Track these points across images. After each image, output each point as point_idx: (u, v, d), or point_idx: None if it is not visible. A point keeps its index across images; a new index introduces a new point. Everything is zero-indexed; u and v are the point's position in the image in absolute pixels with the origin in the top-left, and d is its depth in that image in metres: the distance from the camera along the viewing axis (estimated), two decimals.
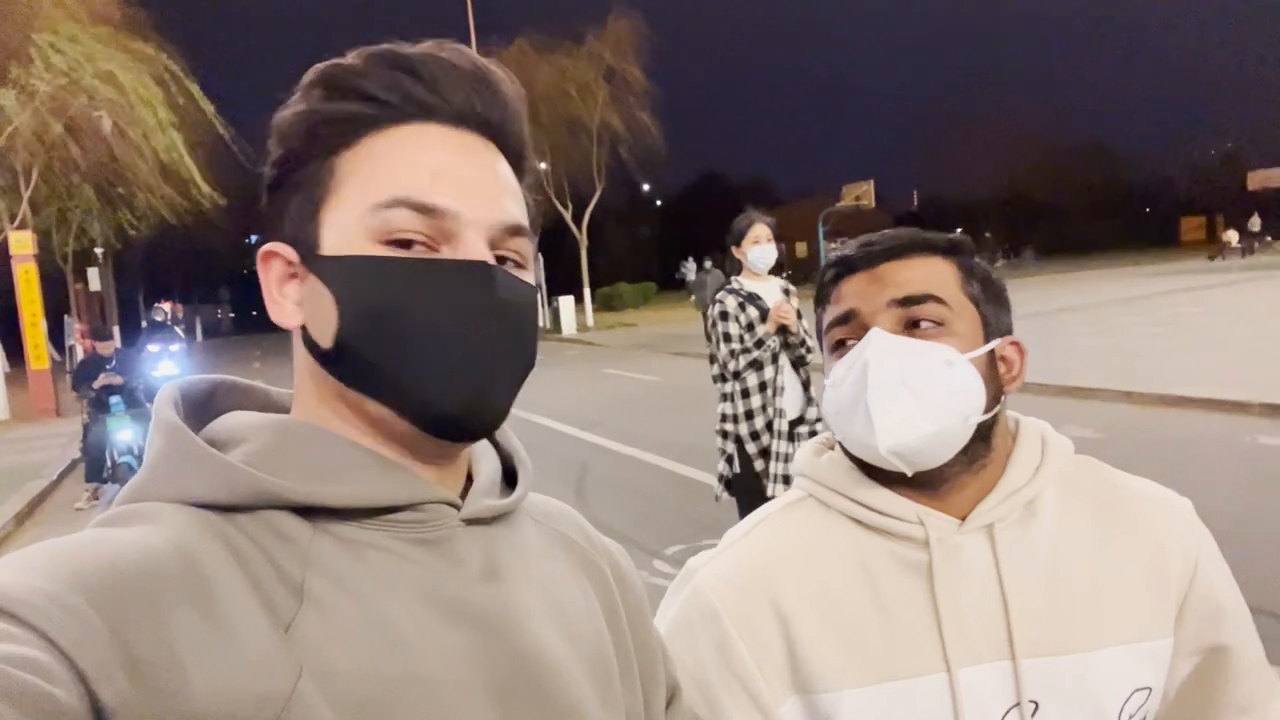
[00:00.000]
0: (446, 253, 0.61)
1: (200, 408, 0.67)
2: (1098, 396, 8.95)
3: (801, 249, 55.75)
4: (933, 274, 0.93)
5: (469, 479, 0.71)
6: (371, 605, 0.57)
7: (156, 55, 17.99)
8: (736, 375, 4.04)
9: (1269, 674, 0.99)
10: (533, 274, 0.68)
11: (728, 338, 4.04)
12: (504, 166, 0.66)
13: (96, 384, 8.32)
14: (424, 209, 0.60)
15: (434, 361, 0.60)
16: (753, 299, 4.04)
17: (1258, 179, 40.17)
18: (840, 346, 0.96)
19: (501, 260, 0.64)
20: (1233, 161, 58.03)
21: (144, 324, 14.73)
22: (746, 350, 3.99)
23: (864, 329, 0.93)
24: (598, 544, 0.81)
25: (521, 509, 0.74)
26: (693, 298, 20.48)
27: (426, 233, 0.61)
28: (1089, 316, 15.98)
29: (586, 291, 31.71)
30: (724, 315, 4.06)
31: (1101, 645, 0.91)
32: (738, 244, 4.15)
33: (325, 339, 0.62)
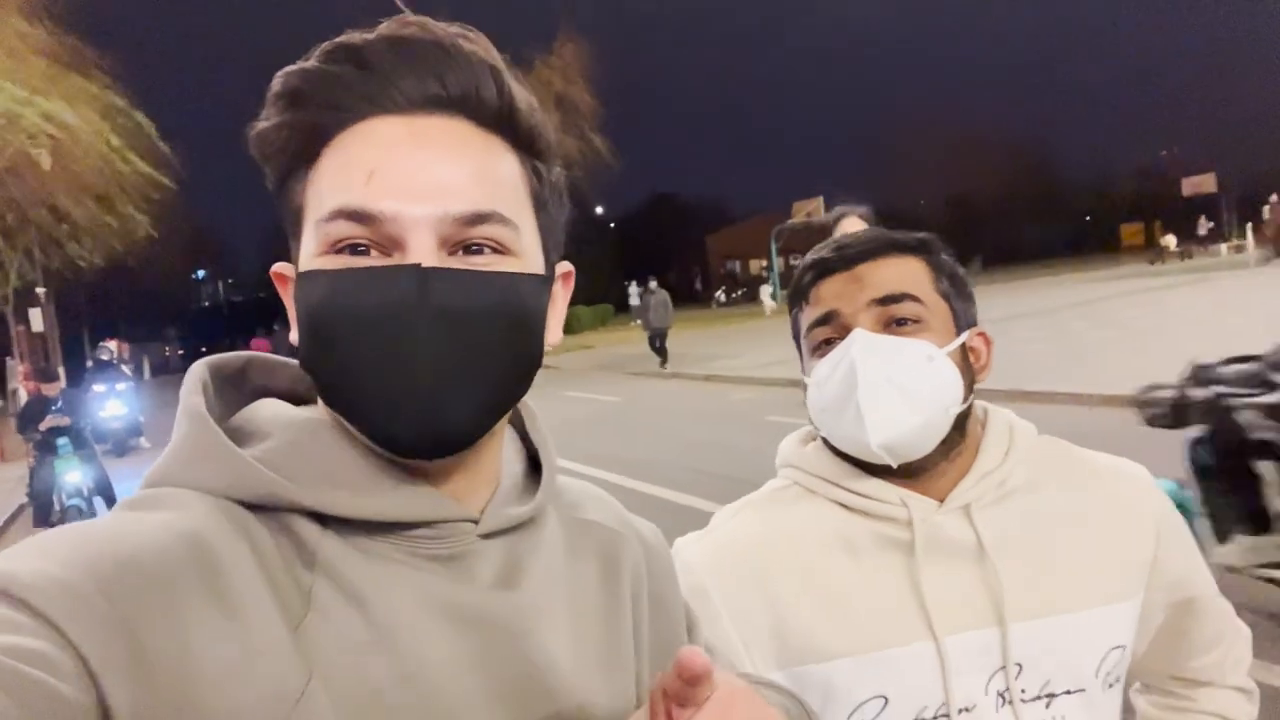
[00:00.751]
0: (396, 258, 0.57)
1: (233, 386, 0.67)
2: (1049, 400, 9.16)
3: (754, 266, 56.30)
4: (907, 273, 0.98)
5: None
6: (376, 614, 0.56)
7: (101, 92, 17.68)
8: None
9: (1227, 609, 1.09)
10: (524, 257, 0.62)
11: None
12: (476, 142, 0.61)
13: (43, 425, 8.10)
14: (359, 216, 0.57)
15: (367, 379, 0.56)
16: None
17: (1191, 185, 41.52)
18: (824, 346, 0.99)
19: (473, 248, 0.59)
20: (1168, 168, 59.98)
21: (89, 363, 14.34)
22: None
23: (846, 329, 0.96)
24: (628, 525, 0.79)
25: (550, 503, 0.72)
26: (637, 320, 20.48)
27: (372, 239, 0.57)
28: (1038, 322, 16.34)
29: None
30: None
31: (1079, 608, 0.96)
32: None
33: None
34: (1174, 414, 3.62)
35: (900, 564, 0.96)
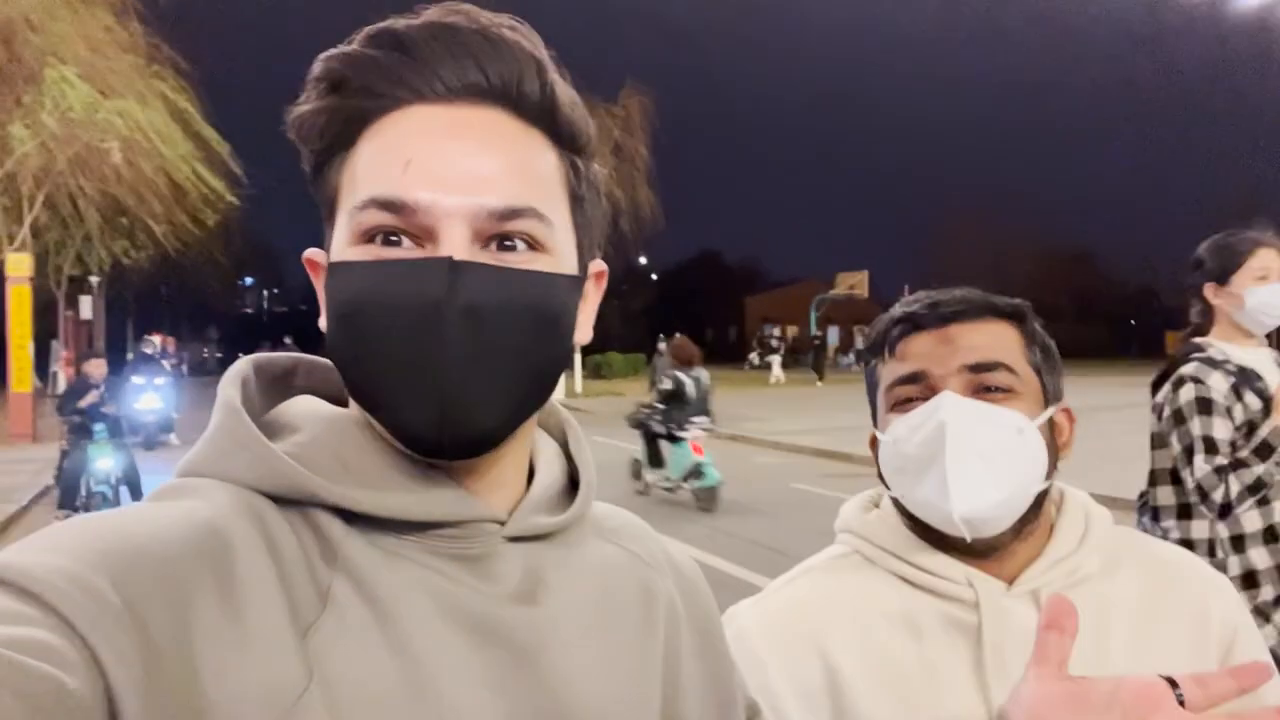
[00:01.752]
0: (428, 249, 0.57)
1: (278, 385, 0.67)
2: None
3: (791, 330, 56.25)
4: (1001, 340, 0.94)
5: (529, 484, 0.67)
6: (392, 617, 0.55)
7: (175, 96, 18.26)
8: (1225, 510, 2.22)
9: None
10: (558, 254, 0.61)
11: (1210, 445, 2.25)
12: (515, 135, 0.60)
13: (84, 402, 8.24)
14: (393, 205, 0.56)
15: (392, 373, 0.56)
16: (1247, 378, 2.31)
17: None
18: (905, 404, 0.95)
19: (507, 246, 0.58)
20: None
21: (130, 355, 14.61)
22: (1243, 465, 2.21)
23: (933, 390, 0.92)
24: (667, 560, 0.77)
25: (585, 522, 0.70)
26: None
27: (405, 229, 0.57)
28: (1080, 422, 16.07)
29: (577, 358, 31.75)
30: (1206, 405, 2.28)
31: None
32: (1222, 278, 2.38)
33: None
34: (634, 422, 9.91)
35: (964, 648, 0.91)
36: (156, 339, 17.06)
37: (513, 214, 0.58)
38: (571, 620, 0.63)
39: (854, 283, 35.35)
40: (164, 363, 15.01)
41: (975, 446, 0.88)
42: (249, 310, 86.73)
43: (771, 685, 0.92)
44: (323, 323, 0.61)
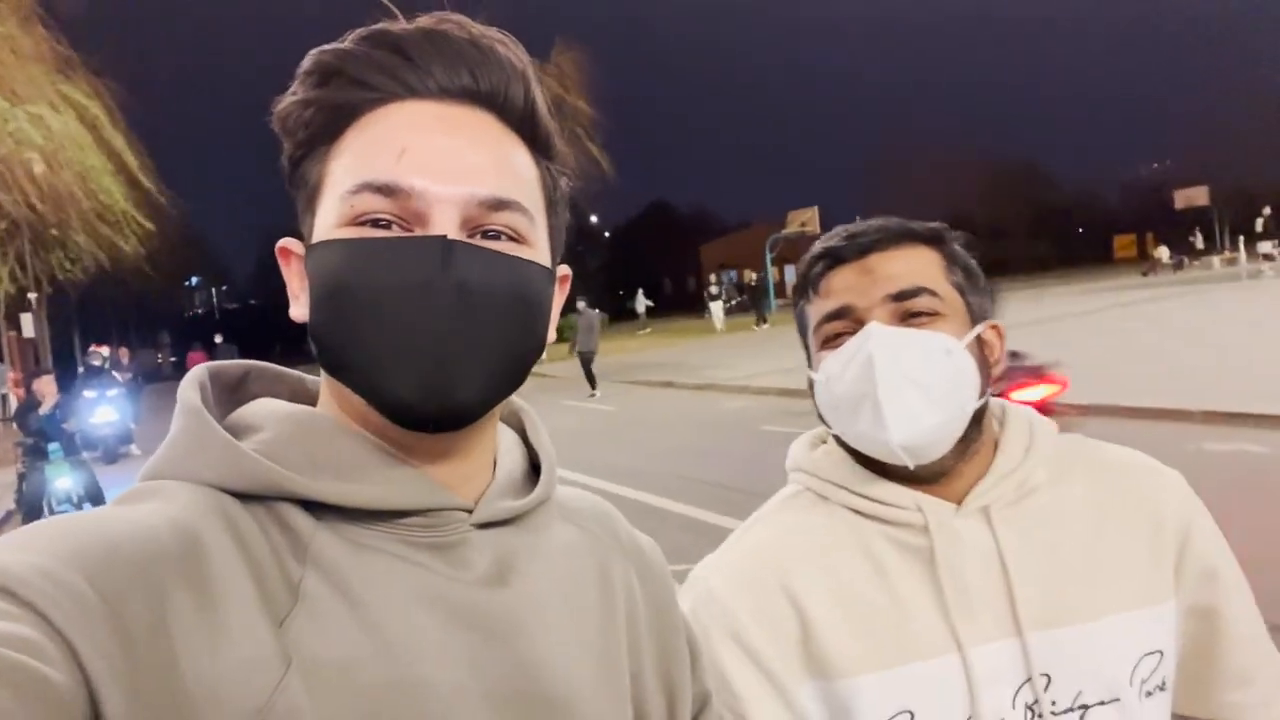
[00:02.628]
0: (418, 233, 0.59)
1: (232, 392, 0.68)
2: (1054, 411, 9.21)
3: (749, 275, 56.42)
4: (921, 265, 0.94)
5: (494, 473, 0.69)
6: (367, 609, 0.56)
7: (89, 100, 17.65)
8: None
9: (1274, 651, 0.98)
10: (537, 249, 0.64)
11: None
12: (500, 136, 0.63)
13: (42, 409, 8.09)
14: (387, 189, 0.58)
15: (382, 345, 0.57)
16: None
17: (1184, 198, 41.78)
18: (834, 340, 0.95)
19: (490, 234, 0.61)
20: (1160, 181, 60.38)
21: (80, 369, 14.25)
22: None
23: (859, 323, 0.92)
24: (626, 543, 0.79)
25: (549, 506, 0.72)
26: (645, 330, 19.85)
27: (396, 214, 0.59)
28: (1036, 332, 16.39)
29: None
30: None
31: (1104, 613, 0.91)
32: None
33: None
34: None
35: (920, 573, 0.92)
36: (104, 350, 16.58)
37: (500, 205, 0.61)
38: (542, 603, 0.65)
39: (805, 220, 35.43)
40: (116, 374, 14.65)
41: (906, 374, 0.88)
42: (199, 310, 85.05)
43: (746, 635, 0.92)
44: (296, 310, 0.63)
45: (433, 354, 0.57)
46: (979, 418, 0.94)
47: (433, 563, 0.60)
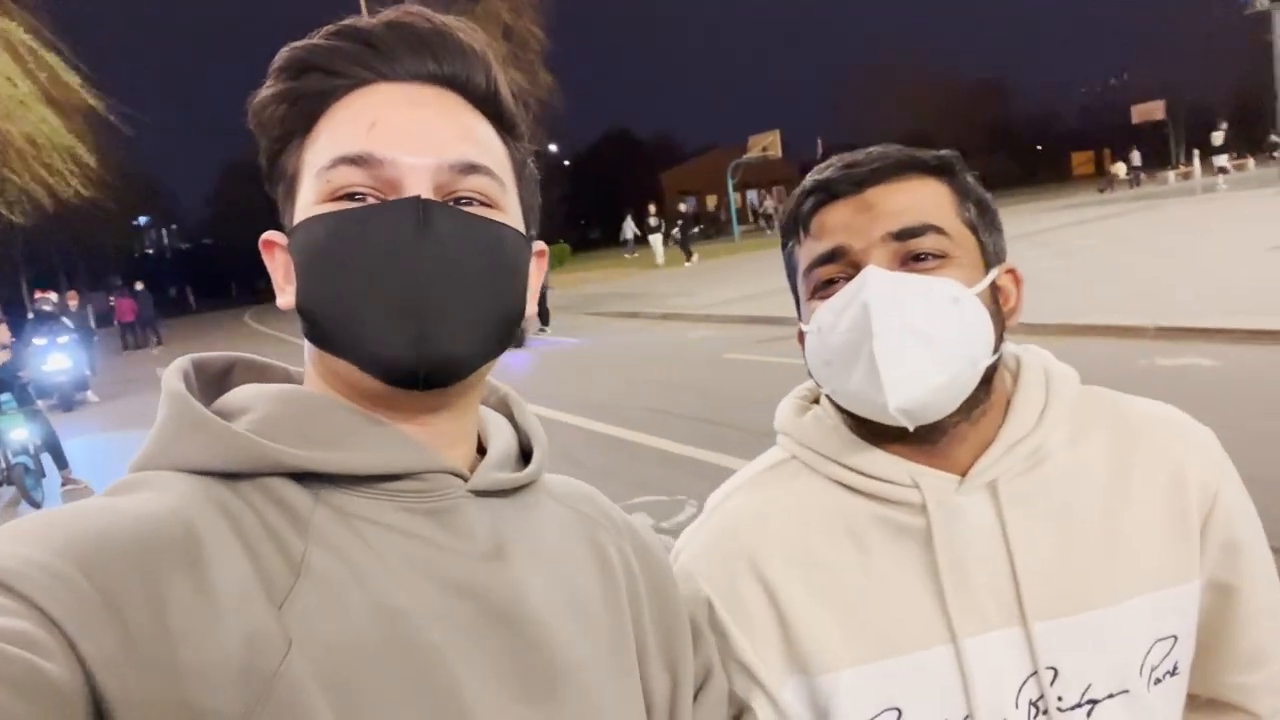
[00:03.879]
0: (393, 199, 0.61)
1: (217, 383, 0.69)
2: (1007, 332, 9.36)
3: (711, 201, 56.05)
4: (928, 199, 0.82)
5: (483, 454, 0.71)
6: (372, 580, 0.57)
7: (10, 26, 16.72)
8: None
9: None
10: (509, 215, 0.67)
11: None
12: (466, 113, 0.66)
13: None
14: (359, 160, 0.61)
15: (370, 305, 0.59)
16: None
17: (1140, 112, 41.95)
18: (826, 286, 0.84)
19: (463, 201, 0.63)
20: (1116, 96, 60.54)
21: (30, 316, 13.84)
22: None
23: (855, 267, 0.81)
24: (619, 522, 0.80)
25: (540, 487, 0.74)
26: (631, 254, 19.24)
27: (370, 184, 0.61)
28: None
29: None
30: None
31: (1120, 599, 0.83)
32: None
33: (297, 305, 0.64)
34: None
35: (913, 556, 0.83)
36: (53, 296, 16.10)
37: (471, 168, 0.63)
38: (540, 576, 0.66)
39: (766, 143, 35.14)
40: (65, 320, 14.24)
41: (907, 326, 0.76)
42: (150, 251, 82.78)
43: (723, 625, 0.86)
44: (282, 299, 0.66)
45: (417, 309, 0.59)
46: (989, 375, 0.83)
47: (432, 532, 0.62)
